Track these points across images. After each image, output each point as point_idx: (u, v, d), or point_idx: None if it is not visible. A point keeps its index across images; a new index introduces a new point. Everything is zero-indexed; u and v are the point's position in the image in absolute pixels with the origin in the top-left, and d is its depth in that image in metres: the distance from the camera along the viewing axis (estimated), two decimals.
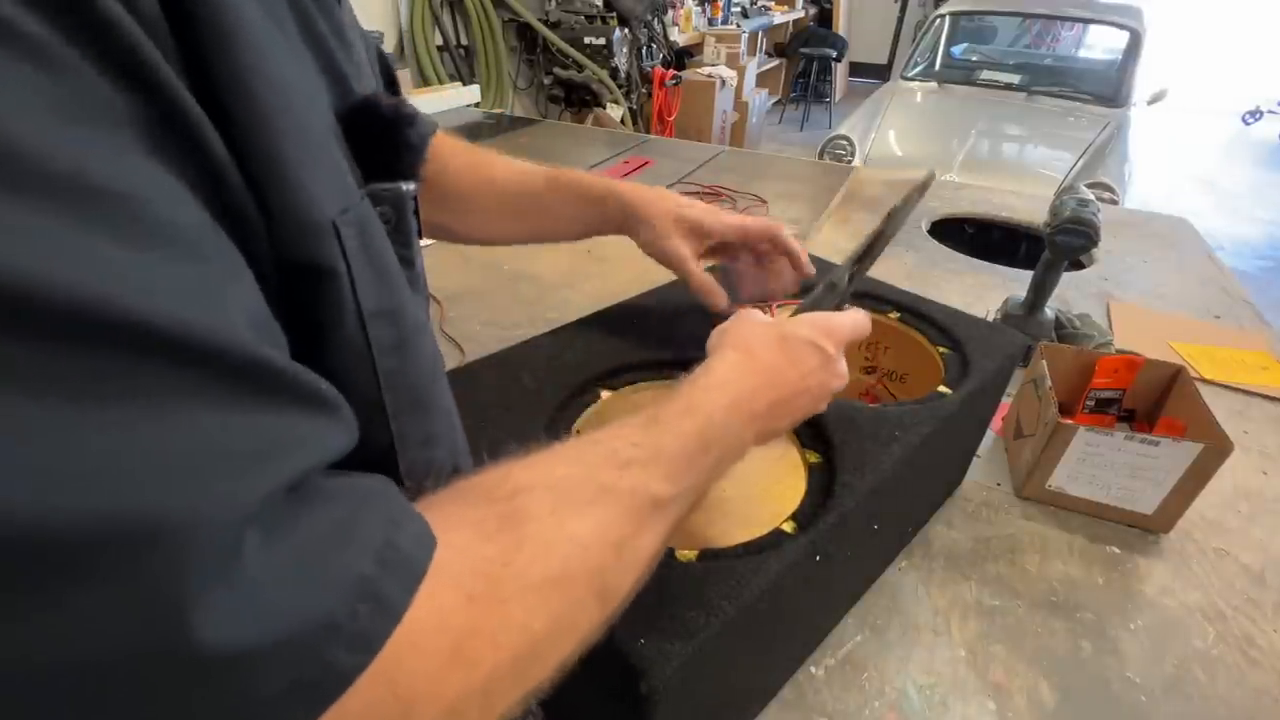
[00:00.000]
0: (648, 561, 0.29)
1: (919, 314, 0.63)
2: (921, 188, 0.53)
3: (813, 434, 0.49)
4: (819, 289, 0.49)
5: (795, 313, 0.43)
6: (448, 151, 0.58)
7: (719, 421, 0.34)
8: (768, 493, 0.64)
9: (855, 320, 0.44)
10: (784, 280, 0.60)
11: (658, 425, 0.32)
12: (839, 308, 0.48)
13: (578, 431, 0.50)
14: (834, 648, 0.55)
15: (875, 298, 0.65)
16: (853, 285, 0.50)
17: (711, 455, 0.33)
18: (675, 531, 0.32)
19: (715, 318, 0.50)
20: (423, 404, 0.30)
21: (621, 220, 0.56)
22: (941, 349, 0.59)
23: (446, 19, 2.87)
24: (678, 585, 0.36)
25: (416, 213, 0.30)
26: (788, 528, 0.41)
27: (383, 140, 0.27)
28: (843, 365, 0.42)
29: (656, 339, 0.57)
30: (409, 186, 0.28)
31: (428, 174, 0.56)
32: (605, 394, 0.52)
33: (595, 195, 0.57)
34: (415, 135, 0.29)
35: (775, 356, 0.39)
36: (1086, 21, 3.40)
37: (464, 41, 2.96)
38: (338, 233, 0.23)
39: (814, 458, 0.47)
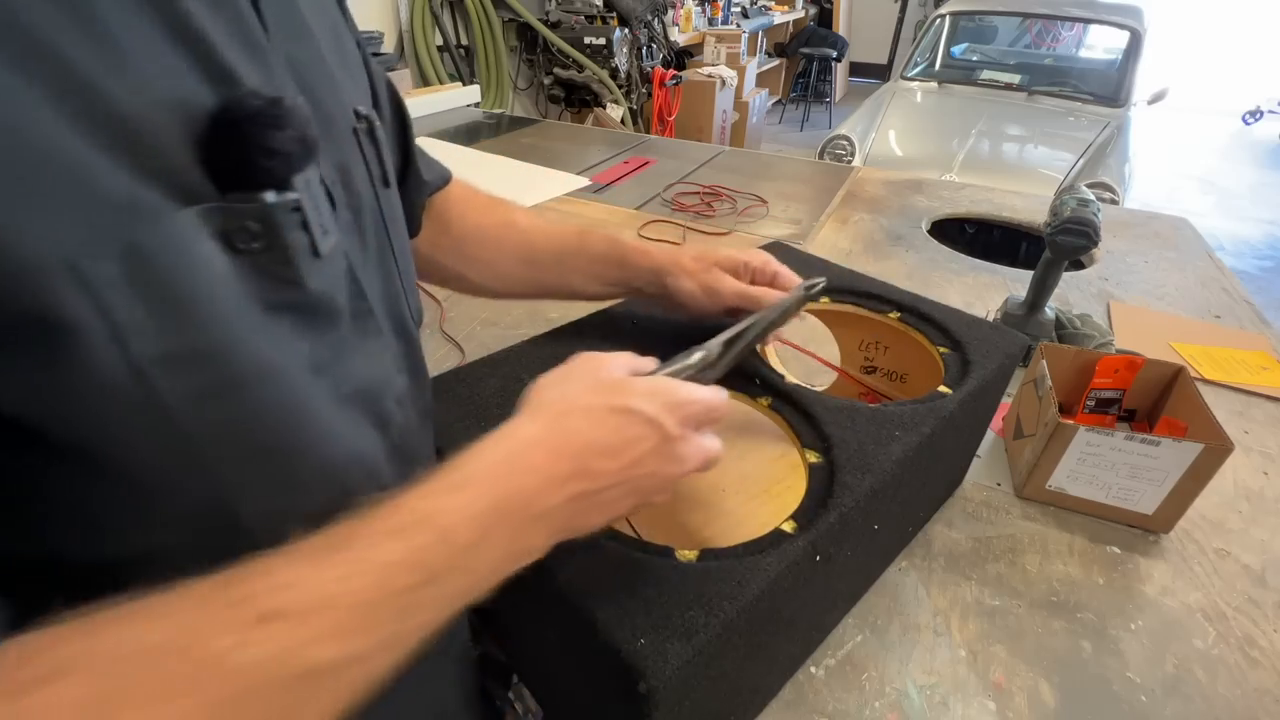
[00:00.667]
0: None
1: (919, 314, 0.63)
2: (804, 301, 0.51)
3: (813, 433, 0.49)
4: (690, 355, 0.40)
5: (653, 373, 0.37)
6: (467, 197, 0.58)
7: (461, 541, 0.26)
8: (768, 492, 0.64)
9: (713, 397, 0.35)
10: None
11: (344, 550, 0.24)
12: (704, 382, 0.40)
13: None
14: (834, 648, 0.55)
15: (875, 297, 0.65)
16: (726, 363, 0.42)
17: (444, 585, 0.26)
18: (364, 688, 0.24)
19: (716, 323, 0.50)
20: (277, 451, 0.26)
21: (651, 276, 0.55)
22: (941, 349, 0.59)
23: (446, 19, 2.87)
24: (677, 585, 0.36)
25: (306, 226, 0.26)
26: (788, 528, 0.41)
27: (244, 144, 0.23)
28: (688, 447, 0.33)
29: (658, 340, 0.57)
30: (277, 198, 0.24)
31: (445, 220, 0.56)
32: None
33: (621, 251, 0.56)
34: (283, 139, 0.24)
35: (594, 433, 0.31)
36: (1087, 21, 3.40)
37: (464, 41, 2.96)
38: (81, 274, 0.19)
39: (814, 457, 0.47)
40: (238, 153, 0.23)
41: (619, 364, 0.35)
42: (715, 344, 0.42)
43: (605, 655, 0.33)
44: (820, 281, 0.52)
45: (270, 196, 0.24)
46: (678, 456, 0.33)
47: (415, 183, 0.50)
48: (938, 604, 0.59)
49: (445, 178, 0.55)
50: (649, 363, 0.37)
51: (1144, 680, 0.53)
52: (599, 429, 0.31)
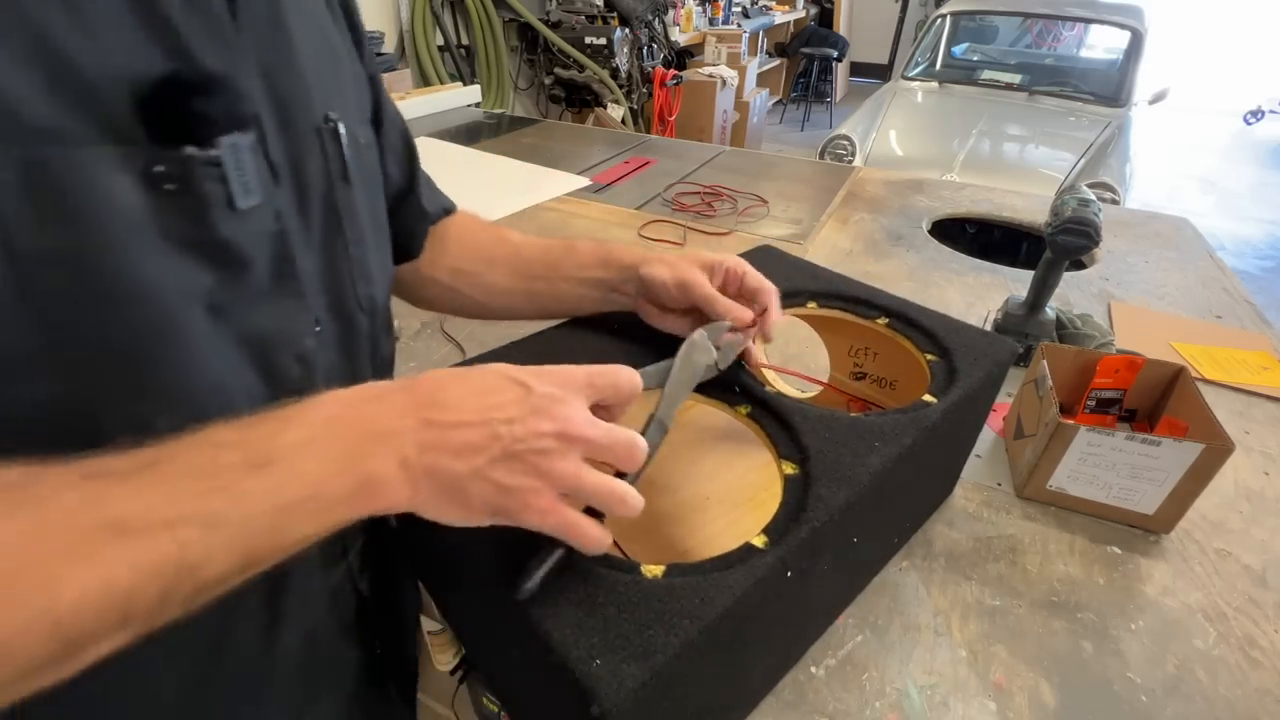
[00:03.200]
0: (79, 598, 0.24)
1: (907, 320, 0.62)
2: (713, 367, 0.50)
3: (790, 443, 0.47)
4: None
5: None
6: (466, 223, 0.61)
7: (289, 438, 0.29)
8: (753, 500, 0.63)
9: (605, 368, 0.37)
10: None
11: (193, 441, 0.27)
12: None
13: None
14: (834, 648, 0.55)
15: (864, 303, 0.65)
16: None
17: (270, 477, 0.28)
18: (211, 563, 0.26)
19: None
20: (138, 362, 0.29)
21: (630, 272, 0.55)
22: (929, 355, 0.58)
23: (447, 19, 2.87)
24: (639, 602, 0.35)
25: (224, 181, 0.30)
26: (758, 542, 0.40)
27: (176, 105, 0.28)
28: (558, 404, 0.33)
29: (647, 341, 0.56)
30: (197, 152, 0.29)
31: (444, 242, 0.59)
32: None
33: (604, 250, 0.57)
34: (209, 105, 0.29)
35: (452, 379, 0.33)
36: (1088, 21, 3.40)
37: (465, 41, 2.97)
38: None
39: (790, 469, 0.45)
40: (171, 112, 0.28)
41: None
42: (647, 370, 0.42)
43: (561, 675, 0.32)
44: (719, 325, 0.50)
45: (190, 150, 0.29)
46: (545, 410, 0.33)
47: (416, 210, 0.57)
48: (938, 604, 0.59)
49: (448, 209, 0.61)
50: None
51: (1145, 680, 0.53)
52: (451, 377, 0.33)
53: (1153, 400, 0.74)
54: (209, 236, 0.31)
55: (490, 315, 0.63)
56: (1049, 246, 0.83)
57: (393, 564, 0.53)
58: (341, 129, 0.40)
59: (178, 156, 0.29)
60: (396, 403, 0.32)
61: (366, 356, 0.46)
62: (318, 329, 0.39)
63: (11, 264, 0.25)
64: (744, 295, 0.55)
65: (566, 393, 0.34)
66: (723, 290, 0.54)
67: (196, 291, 0.31)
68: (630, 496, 0.34)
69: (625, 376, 0.37)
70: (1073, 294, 1.10)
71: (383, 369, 0.49)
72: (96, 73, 0.26)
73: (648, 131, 3.46)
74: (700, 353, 0.48)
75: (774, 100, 5.85)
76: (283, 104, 0.35)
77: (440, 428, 0.31)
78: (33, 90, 0.24)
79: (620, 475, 0.36)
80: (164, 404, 0.31)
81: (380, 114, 0.50)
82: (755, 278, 0.55)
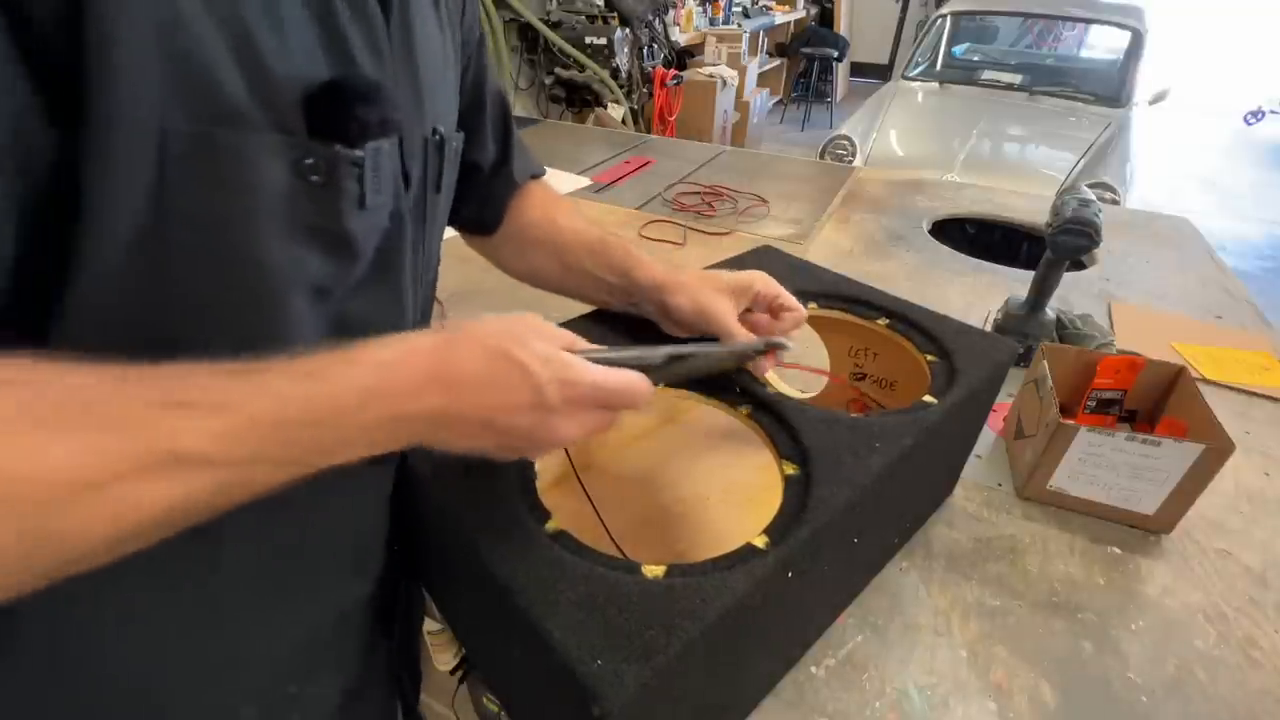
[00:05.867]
0: (148, 519, 0.25)
1: (907, 321, 0.62)
2: (761, 352, 0.51)
3: (791, 444, 0.47)
4: (629, 349, 0.40)
5: (595, 356, 0.37)
6: (534, 193, 0.63)
7: (347, 403, 0.30)
8: (753, 501, 0.63)
9: (620, 383, 0.36)
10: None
11: (258, 375, 0.28)
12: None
13: None
14: (834, 648, 0.55)
15: (864, 303, 0.65)
16: (664, 375, 0.42)
17: (317, 434, 0.29)
18: (236, 497, 0.28)
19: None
20: (235, 325, 0.32)
21: (650, 290, 0.55)
22: (929, 356, 0.58)
23: None
24: (640, 602, 0.35)
25: (360, 181, 0.33)
26: (759, 542, 0.40)
27: (339, 105, 0.31)
28: (563, 420, 0.34)
29: (647, 341, 0.56)
30: (345, 151, 0.32)
31: (513, 213, 0.61)
32: None
33: (631, 262, 0.57)
34: (365, 111, 0.32)
35: (478, 366, 0.33)
36: (1088, 21, 3.40)
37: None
38: (164, 141, 0.26)
39: (791, 469, 0.45)
40: (333, 112, 0.31)
41: (552, 333, 0.38)
42: (660, 353, 0.42)
43: (561, 674, 0.33)
44: (787, 346, 0.50)
45: (340, 148, 0.32)
46: (549, 425, 0.34)
47: (506, 181, 0.60)
48: (938, 604, 0.59)
49: (535, 174, 0.63)
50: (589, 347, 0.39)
51: (1145, 681, 0.53)
52: (475, 362, 0.33)
53: (1153, 401, 0.74)
54: (335, 227, 0.33)
55: (520, 279, 0.65)
56: (1049, 246, 0.83)
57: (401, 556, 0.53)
58: (449, 142, 0.43)
59: (328, 153, 0.31)
60: (415, 381, 0.32)
61: None
62: (407, 319, 0.42)
63: (156, 218, 0.27)
64: (773, 313, 0.55)
65: (575, 409, 0.35)
66: (752, 307, 0.55)
67: (307, 274, 0.33)
68: (637, 394, 0.37)
69: (641, 398, 0.38)
70: (1073, 294, 1.10)
71: None
72: (283, 73, 0.29)
73: (648, 131, 3.46)
74: (747, 356, 0.49)
75: (774, 100, 5.85)
76: (410, 114, 0.38)
77: (446, 417, 0.33)
78: (230, 79, 0.27)
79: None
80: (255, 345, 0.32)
81: (482, 85, 0.54)
82: (788, 299, 0.55)
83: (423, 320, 0.48)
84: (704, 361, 0.46)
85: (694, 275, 0.55)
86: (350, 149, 0.32)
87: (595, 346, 0.39)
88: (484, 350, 0.33)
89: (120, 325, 0.29)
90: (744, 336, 0.52)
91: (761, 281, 0.55)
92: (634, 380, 0.37)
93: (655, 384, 0.40)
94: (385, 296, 0.40)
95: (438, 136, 0.42)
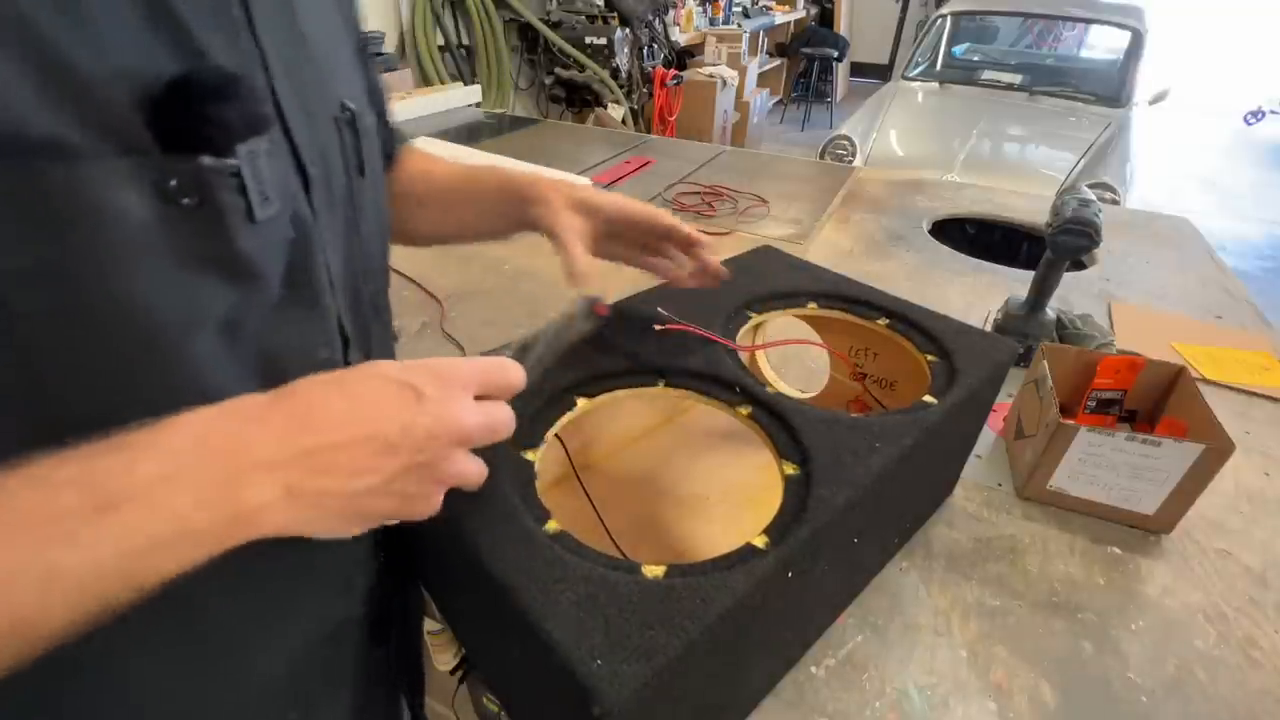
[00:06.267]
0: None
1: (908, 321, 0.62)
2: (588, 314, 0.46)
3: (791, 444, 0.47)
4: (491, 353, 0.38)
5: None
6: (408, 157, 0.58)
7: (145, 470, 0.25)
8: (753, 500, 0.63)
9: (485, 361, 0.35)
10: (682, 268, 0.58)
11: (29, 478, 0.23)
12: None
13: (555, 436, 0.49)
14: (834, 648, 0.55)
15: (864, 303, 0.65)
16: (528, 361, 0.40)
17: (125, 517, 0.24)
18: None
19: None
20: (125, 392, 0.27)
21: (524, 203, 0.53)
22: (929, 356, 0.58)
23: (448, 19, 2.87)
24: (640, 602, 0.35)
25: (243, 192, 0.28)
26: (759, 542, 0.40)
27: (191, 111, 0.26)
28: (464, 414, 0.32)
29: (638, 346, 0.56)
30: (214, 162, 0.26)
31: (399, 181, 0.56)
32: (581, 401, 0.51)
33: (510, 184, 0.54)
34: (226, 110, 0.26)
35: (325, 390, 0.30)
36: (1088, 21, 3.40)
37: (465, 41, 2.96)
38: None
39: (791, 469, 0.45)
40: (184, 118, 0.25)
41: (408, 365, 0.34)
42: (516, 346, 0.40)
43: (561, 675, 0.33)
44: (595, 297, 0.46)
45: (207, 160, 0.26)
46: (446, 412, 0.31)
47: (385, 138, 0.54)
48: (938, 604, 0.59)
49: (403, 139, 0.58)
50: None
51: (1145, 681, 0.53)
52: (330, 387, 0.30)
53: (1153, 401, 0.74)
54: (225, 252, 0.28)
55: (424, 243, 0.60)
56: (1049, 246, 0.83)
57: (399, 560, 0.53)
58: (360, 116, 0.38)
59: (193, 168, 0.26)
60: (275, 425, 0.28)
61: (376, 355, 0.44)
62: (335, 337, 0.38)
63: None
64: (684, 249, 0.55)
65: (454, 390, 0.32)
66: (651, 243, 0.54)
67: (208, 312, 0.29)
68: (507, 368, 0.35)
69: (514, 375, 0.36)
70: (1073, 294, 1.10)
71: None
72: (94, 72, 0.23)
73: (648, 131, 3.46)
74: (580, 321, 0.45)
75: (774, 100, 5.85)
76: (305, 97, 0.33)
77: (322, 453, 0.29)
78: (22, 94, 0.21)
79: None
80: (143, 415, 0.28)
81: (369, 76, 0.47)
82: (685, 231, 0.54)
83: (364, 336, 0.41)
84: (547, 340, 0.43)
85: (553, 187, 0.52)
86: (219, 159, 0.27)
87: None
88: (334, 379, 0.30)
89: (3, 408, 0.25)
90: (580, 258, 0.48)
91: (616, 207, 0.53)
92: (498, 359, 0.35)
93: (529, 375, 0.38)
94: (303, 317, 0.35)
95: (348, 113, 0.37)
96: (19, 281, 0.23)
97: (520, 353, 0.41)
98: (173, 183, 0.25)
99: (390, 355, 0.50)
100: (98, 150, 0.23)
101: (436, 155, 0.60)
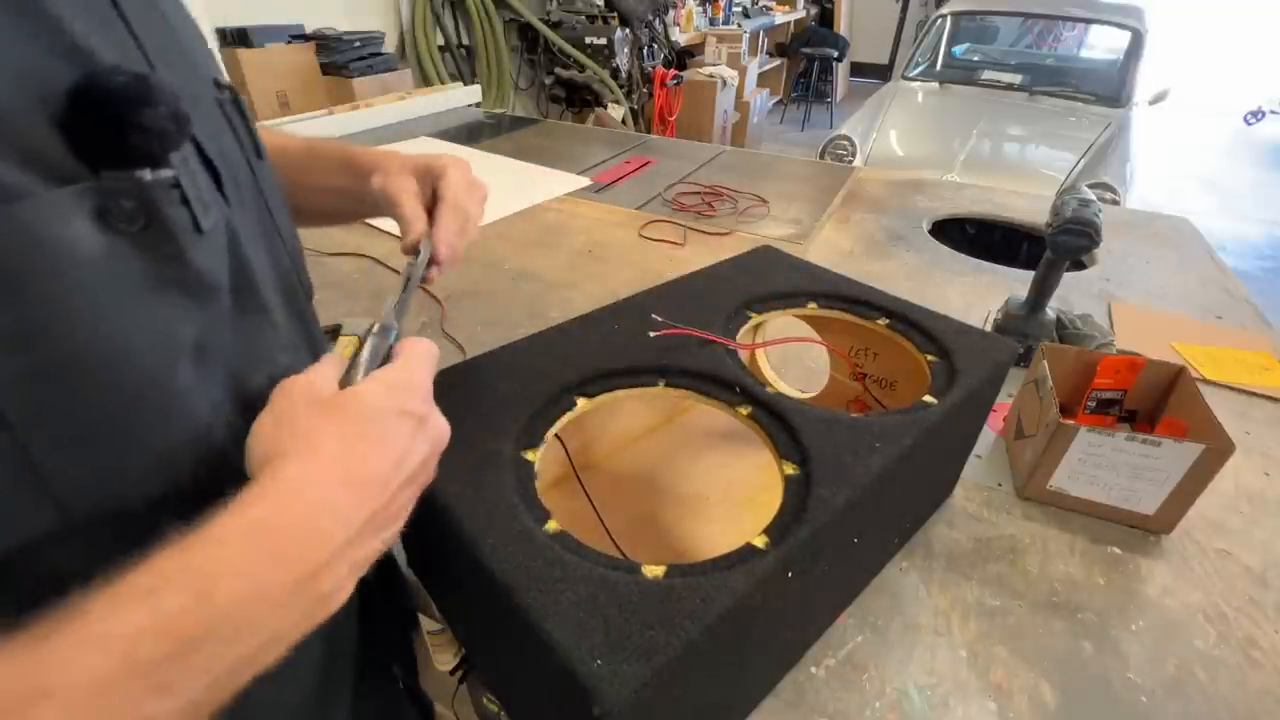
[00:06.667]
0: None
1: (908, 321, 0.62)
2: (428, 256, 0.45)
3: (791, 444, 0.47)
4: (370, 337, 0.36)
5: (349, 375, 0.34)
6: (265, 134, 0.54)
7: (223, 599, 0.23)
8: (753, 500, 0.63)
9: (422, 354, 0.34)
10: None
11: (81, 619, 0.21)
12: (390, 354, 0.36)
13: (555, 437, 0.49)
14: (834, 648, 0.55)
15: (864, 303, 0.65)
16: (403, 317, 0.39)
17: (210, 652, 0.23)
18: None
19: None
20: (107, 439, 0.25)
21: (360, 176, 0.49)
22: (929, 356, 0.58)
23: (448, 19, 2.87)
24: (640, 602, 0.35)
25: (186, 202, 0.26)
26: (759, 542, 0.40)
27: (115, 122, 0.23)
28: (438, 418, 0.33)
29: (638, 346, 0.56)
30: (154, 176, 0.24)
31: None
32: (581, 401, 0.51)
33: (351, 158, 0.51)
34: (155, 116, 0.24)
35: (354, 448, 0.29)
36: (1088, 21, 3.39)
37: (465, 41, 2.97)
38: None
39: (791, 469, 0.45)
40: (109, 132, 0.23)
41: (324, 379, 0.32)
42: (388, 312, 0.38)
43: (562, 675, 0.33)
44: (431, 250, 0.45)
45: (146, 174, 0.24)
46: (436, 434, 0.33)
47: None
48: (938, 604, 0.59)
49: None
50: (336, 360, 0.34)
51: (1145, 681, 0.53)
52: (352, 441, 0.29)
53: (1153, 401, 0.74)
54: (181, 272, 0.26)
55: None
56: (1049, 246, 0.83)
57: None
58: (239, 93, 0.35)
59: (133, 185, 0.23)
60: (342, 506, 0.27)
61: (320, 344, 0.43)
62: (286, 338, 0.36)
63: None
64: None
65: (431, 401, 0.33)
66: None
67: (182, 339, 0.27)
68: (427, 351, 0.35)
69: (435, 352, 0.36)
70: (1073, 294, 1.10)
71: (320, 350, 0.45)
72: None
73: (648, 131, 3.46)
74: (423, 264, 0.44)
75: (774, 100, 5.85)
76: (186, 83, 0.30)
77: (382, 510, 0.29)
78: None
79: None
80: (139, 476, 0.27)
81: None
82: (449, 192, 0.48)
83: (307, 329, 0.40)
84: (409, 288, 0.42)
85: (392, 155, 0.50)
86: (155, 170, 0.24)
87: (345, 358, 0.35)
88: (354, 433, 0.29)
89: None
90: (416, 219, 0.46)
91: (452, 167, 0.49)
92: (420, 347, 0.35)
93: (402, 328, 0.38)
94: (255, 322, 0.33)
95: (227, 92, 0.34)
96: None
97: (397, 311, 0.39)
98: (114, 205, 0.23)
99: (321, 340, 0.46)
100: (28, 185, 0.21)
101: (276, 129, 0.55)
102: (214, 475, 0.29)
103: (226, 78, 0.36)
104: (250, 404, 0.32)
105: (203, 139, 0.29)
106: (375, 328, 0.36)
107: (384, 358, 0.35)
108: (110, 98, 0.23)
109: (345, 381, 0.33)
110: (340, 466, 0.28)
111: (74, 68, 0.23)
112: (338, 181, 0.51)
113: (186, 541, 0.24)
